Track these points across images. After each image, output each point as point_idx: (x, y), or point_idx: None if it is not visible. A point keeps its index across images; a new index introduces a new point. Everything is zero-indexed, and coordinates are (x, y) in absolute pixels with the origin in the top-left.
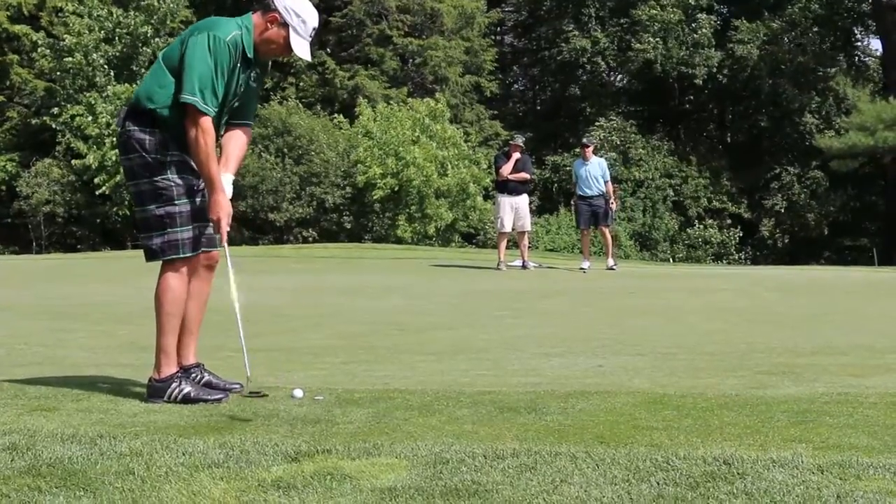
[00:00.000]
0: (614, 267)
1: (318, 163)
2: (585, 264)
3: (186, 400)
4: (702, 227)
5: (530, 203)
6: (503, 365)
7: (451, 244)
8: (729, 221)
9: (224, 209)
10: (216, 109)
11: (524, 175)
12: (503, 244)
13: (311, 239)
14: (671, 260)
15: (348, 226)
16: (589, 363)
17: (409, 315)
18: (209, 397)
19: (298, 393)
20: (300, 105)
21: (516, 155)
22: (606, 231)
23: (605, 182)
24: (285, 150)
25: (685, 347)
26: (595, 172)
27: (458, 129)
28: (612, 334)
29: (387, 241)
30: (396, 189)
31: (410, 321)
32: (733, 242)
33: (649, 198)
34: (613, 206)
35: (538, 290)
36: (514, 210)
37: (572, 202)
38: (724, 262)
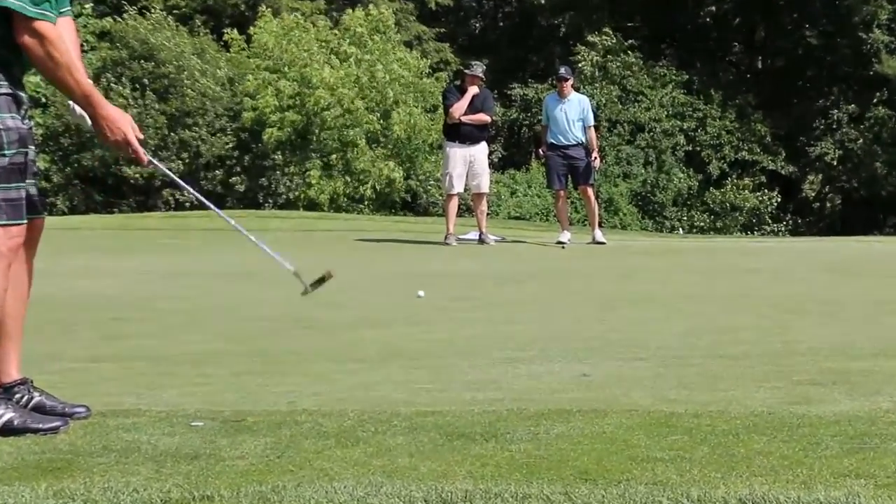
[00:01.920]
0: (602, 240)
1: (192, 97)
2: (564, 237)
3: (9, 430)
4: (730, 186)
5: (491, 154)
6: (453, 375)
7: (382, 211)
8: (763, 179)
9: (126, 122)
10: (56, 12)
11: (483, 117)
12: (453, 210)
13: (187, 204)
14: (682, 230)
15: (240, 187)
16: (570, 371)
17: (324, 309)
18: (41, 426)
19: (422, 293)
20: (170, 20)
21: (473, 89)
22: (589, 192)
23: (587, 128)
24: (146, 80)
25: (700, 349)
26: (573, 114)
27: (409, 53)
28: (601, 332)
29: (296, 207)
30: (301, 127)
31: (325, 317)
32: (769, 209)
33: (654, 146)
34: (596, 163)
35: (500, 272)
36: (469, 164)
37: (541, 152)
38: (756, 233)
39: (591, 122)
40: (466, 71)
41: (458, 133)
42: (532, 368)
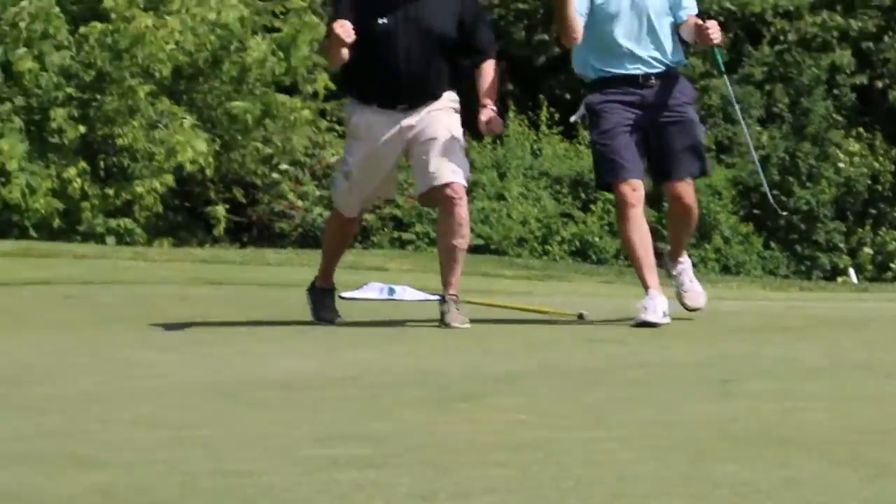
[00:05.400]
0: (684, 282)
1: None
2: (654, 306)
3: None
4: None
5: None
6: None
7: (169, 236)
8: None
9: None
10: None
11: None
12: (342, 240)
13: None
14: (855, 274)
15: None
16: None
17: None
18: None
19: None
20: None
21: None
22: (687, 196)
23: (687, 18)
24: None
25: None
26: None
27: None
28: None
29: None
30: None
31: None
32: None
33: (784, 75)
34: (715, 37)
35: (443, 375)
36: (405, 148)
37: (584, 106)
38: None
39: (694, 7)
40: None
41: (373, 84)
42: None
